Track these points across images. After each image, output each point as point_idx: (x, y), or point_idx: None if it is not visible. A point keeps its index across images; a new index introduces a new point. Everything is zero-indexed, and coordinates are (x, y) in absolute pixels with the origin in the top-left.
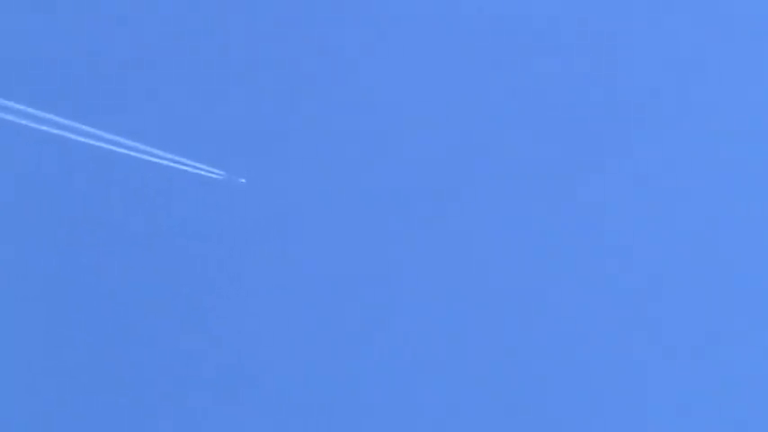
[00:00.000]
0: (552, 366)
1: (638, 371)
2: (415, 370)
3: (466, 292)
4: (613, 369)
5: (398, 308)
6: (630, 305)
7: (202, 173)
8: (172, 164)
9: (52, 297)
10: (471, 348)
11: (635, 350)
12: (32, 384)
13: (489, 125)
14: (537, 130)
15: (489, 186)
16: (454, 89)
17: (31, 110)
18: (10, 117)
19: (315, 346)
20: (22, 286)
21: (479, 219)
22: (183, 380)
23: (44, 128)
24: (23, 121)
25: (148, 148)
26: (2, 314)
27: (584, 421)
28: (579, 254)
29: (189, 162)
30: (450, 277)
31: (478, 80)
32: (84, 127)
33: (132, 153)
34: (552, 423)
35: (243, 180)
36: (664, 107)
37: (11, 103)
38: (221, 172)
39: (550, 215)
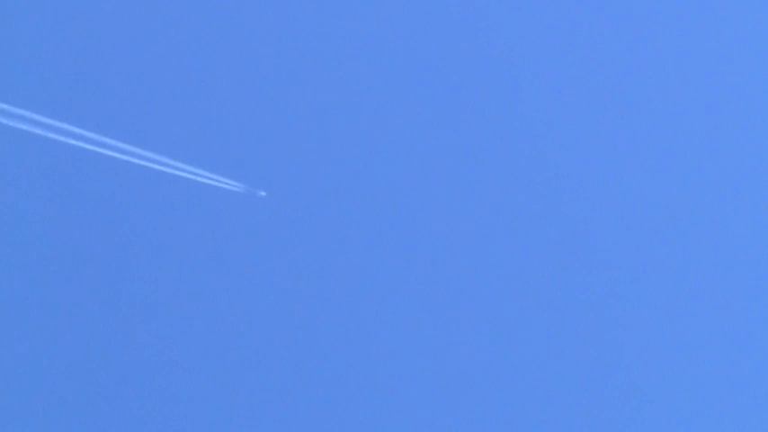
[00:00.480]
0: (546, 366)
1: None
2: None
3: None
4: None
5: (418, 317)
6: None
7: (222, 185)
8: (191, 176)
9: (73, 307)
10: (469, 351)
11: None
12: (31, 384)
13: (493, 134)
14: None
15: (495, 190)
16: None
17: (49, 120)
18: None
19: (326, 356)
20: (44, 306)
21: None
22: (198, 385)
23: (62, 138)
24: (40, 132)
25: (168, 160)
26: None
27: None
28: (571, 255)
29: (208, 174)
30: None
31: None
32: (102, 137)
33: (152, 164)
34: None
35: (263, 193)
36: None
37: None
38: (241, 185)
39: (544, 218)
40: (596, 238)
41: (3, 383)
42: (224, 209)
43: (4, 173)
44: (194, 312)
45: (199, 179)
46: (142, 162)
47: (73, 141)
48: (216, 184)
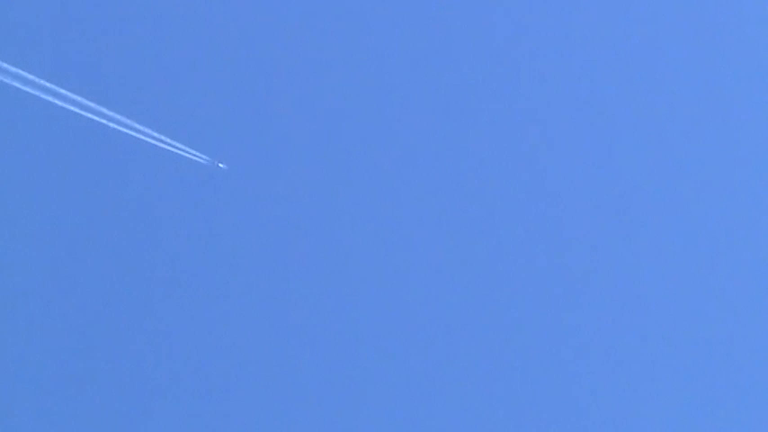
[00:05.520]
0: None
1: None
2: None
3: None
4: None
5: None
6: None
7: (187, 155)
8: (158, 143)
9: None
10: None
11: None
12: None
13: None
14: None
15: (484, 183)
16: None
17: (24, 73)
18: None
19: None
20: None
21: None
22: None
23: (35, 92)
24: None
25: (137, 125)
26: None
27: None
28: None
29: (175, 143)
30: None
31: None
32: (75, 96)
33: (119, 127)
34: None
35: (223, 165)
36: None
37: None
38: (205, 156)
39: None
40: (593, 238)
41: None
42: (186, 178)
43: None
44: (149, 278)
45: (163, 146)
46: (105, 122)
47: (39, 94)
48: (181, 153)
